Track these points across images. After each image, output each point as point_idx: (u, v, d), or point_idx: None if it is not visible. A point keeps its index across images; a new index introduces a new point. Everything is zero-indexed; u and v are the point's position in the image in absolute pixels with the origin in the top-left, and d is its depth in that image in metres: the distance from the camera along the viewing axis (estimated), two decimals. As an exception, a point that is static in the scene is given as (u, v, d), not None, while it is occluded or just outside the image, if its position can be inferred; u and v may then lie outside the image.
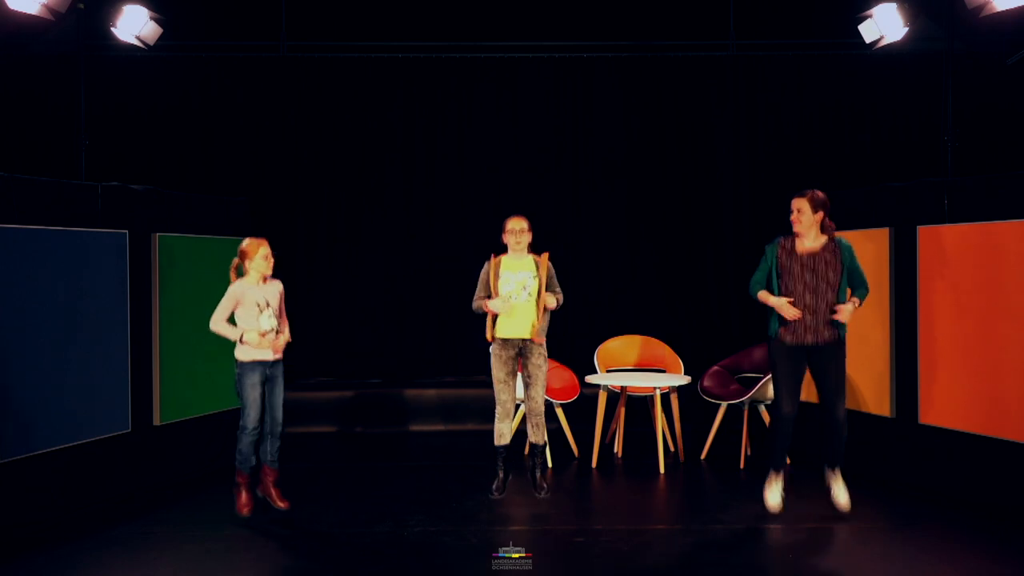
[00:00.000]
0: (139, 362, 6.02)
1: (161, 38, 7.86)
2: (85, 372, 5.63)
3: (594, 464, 6.78)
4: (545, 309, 5.62)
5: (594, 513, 5.78)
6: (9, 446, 5.16)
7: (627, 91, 8.82)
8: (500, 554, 4.72)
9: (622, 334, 7.70)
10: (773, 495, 5.44)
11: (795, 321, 5.23)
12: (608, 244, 8.82)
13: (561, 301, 5.70)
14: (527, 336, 5.61)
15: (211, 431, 6.58)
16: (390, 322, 8.86)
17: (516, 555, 4.71)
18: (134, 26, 7.60)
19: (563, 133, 8.87)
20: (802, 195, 5.32)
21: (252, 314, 5.29)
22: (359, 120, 8.82)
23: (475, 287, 5.78)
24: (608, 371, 7.31)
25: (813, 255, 5.25)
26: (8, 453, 5.16)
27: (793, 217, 5.29)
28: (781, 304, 5.21)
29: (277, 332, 5.40)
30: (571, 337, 8.29)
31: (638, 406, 7.63)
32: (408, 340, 8.86)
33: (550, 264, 5.71)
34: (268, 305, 5.32)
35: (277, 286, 5.49)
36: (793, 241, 5.33)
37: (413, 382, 8.52)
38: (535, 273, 5.63)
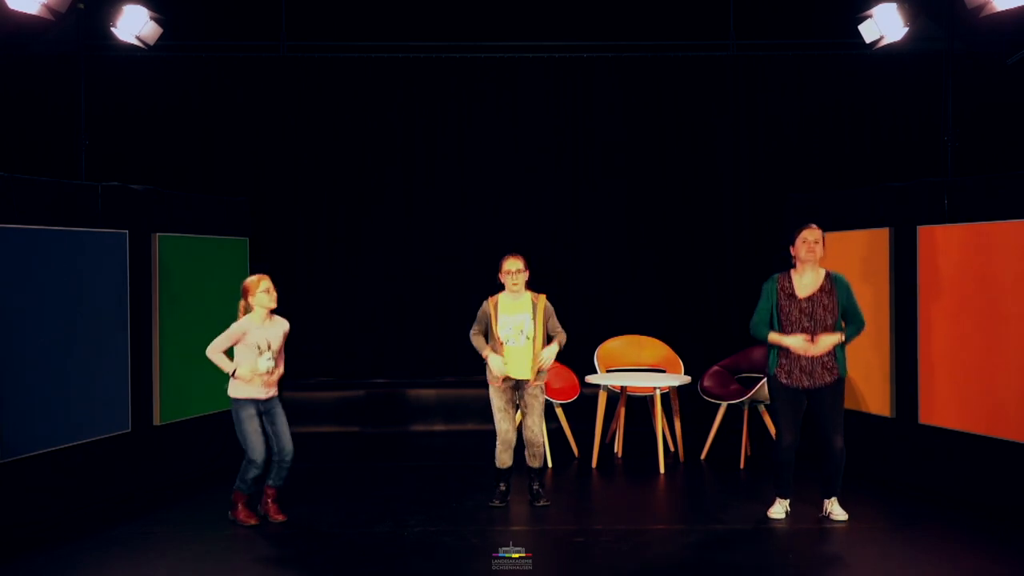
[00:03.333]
0: (139, 362, 6.02)
1: (161, 38, 7.86)
2: (85, 372, 5.63)
3: (594, 464, 6.78)
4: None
5: (594, 513, 5.78)
6: (9, 446, 5.16)
7: (627, 91, 8.81)
8: (500, 554, 4.72)
9: (622, 334, 7.70)
10: (777, 513, 5.44)
11: (791, 364, 5.20)
12: (608, 244, 8.81)
13: (563, 341, 5.63)
14: (524, 378, 5.59)
15: (211, 431, 6.58)
16: (390, 322, 8.86)
17: (516, 555, 4.71)
18: (134, 26, 7.59)
19: (563, 133, 8.87)
20: (816, 227, 5.24)
21: (251, 355, 5.24)
22: (359, 120, 8.82)
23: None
24: (608, 371, 7.31)
25: (811, 299, 5.17)
26: (8, 453, 5.15)
27: (808, 247, 5.18)
28: (795, 342, 5.12)
29: (272, 373, 5.36)
30: (571, 337, 8.24)
31: (638, 406, 7.63)
32: (408, 340, 8.86)
33: (548, 304, 5.66)
34: (269, 347, 5.27)
35: (283, 325, 5.42)
36: (791, 282, 5.25)
37: (413, 382, 8.52)
38: (532, 314, 5.58)
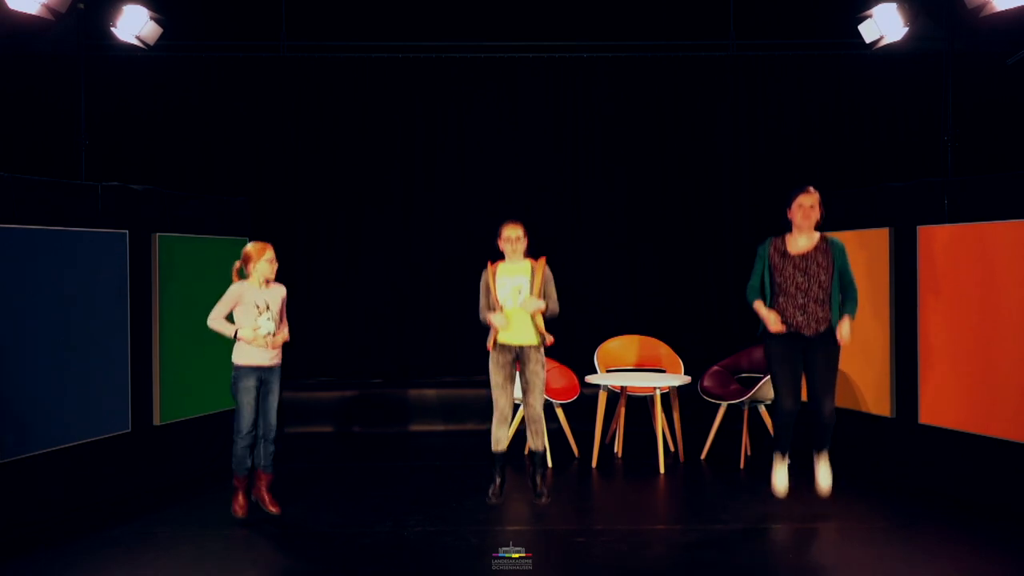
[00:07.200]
0: (139, 362, 6.02)
1: (161, 38, 7.86)
2: (85, 372, 5.63)
3: (594, 464, 6.78)
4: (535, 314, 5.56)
5: (594, 513, 5.78)
6: (9, 446, 5.16)
7: (627, 91, 8.81)
8: (500, 554, 4.72)
9: (622, 334, 7.70)
10: (780, 478, 5.38)
11: (785, 318, 5.21)
12: (608, 244, 8.82)
13: (555, 311, 5.56)
14: (524, 343, 5.55)
15: (211, 431, 6.58)
16: (390, 322, 8.86)
17: (516, 555, 4.71)
18: (134, 26, 7.60)
19: (563, 133, 8.87)
20: (813, 190, 5.27)
21: (251, 315, 5.27)
22: (359, 120, 8.82)
23: (476, 292, 5.76)
24: (608, 371, 7.31)
25: (805, 256, 5.21)
26: (8, 453, 5.16)
27: (805, 212, 5.20)
28: (769, 318, 5.22)
29: (275, 335, 5.39)
30: (571, 337, 8.28)
31: (638, 406, 7.63)
32: (408, 340, 8.86)
33: (547, 268, 5.61)
34: (268, 308, 5.30)
35: (280, 291, 5.46)
36: (785, 242, 5.30)
37: (413, 382, 8.52)
38: (530, 277, 5.56)
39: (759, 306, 5.32)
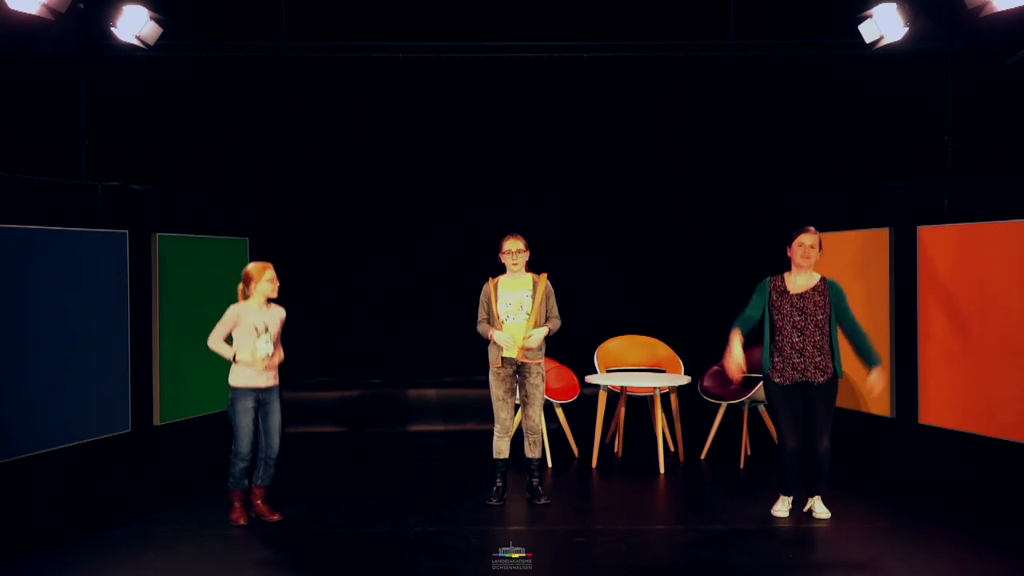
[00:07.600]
0: (139, 362, 6.02)
1: (161, 38, 7.86)
2: (85, 372, 5.63)
3: (594, 464, 6.78)
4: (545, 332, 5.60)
5: (594, 513, 5.78)
6: (9, 446, 5.16)
7: (627, 91, 8.81)
8: (500, 554, 4.72)
9: (622, 334, 7.71)
10: (781, 510, 5.45)
11: (784, 363, 5.21)
12: (608, 244, 8.82)
13: (556, 327, 5.62)
14: (526, 358, 5.58)
15: (211, 431, 6.58)
16: (390, 322, 8.86)
17: (516, 555, 4.71)
18: (134, 26, 7.60)
19: (563, 133, 8.87)
20: (813, 230, 5.26)
21: (249, 336, 5.22)
22: (359, 120, 8.82)
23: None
24: (608, 371, 7.31)
25: (803, 295, 5.20)
26: (8, 453, 5.16)
27: (804, 251, 5.18)
28: (731, 363, 5.19)
29: (272, 357, 5.35)
30: (571, 337, 8.28)
31: (638, 406, 7.63)
32: (408, 340, 8.86)
33: (549, 284, 5.65)
34: (267, 330, 5.27)
35: (279, 313, 5.41)
36: (784, 280, 5.29)
37: (413, 382, 8.52)
38: (532, 292, 5.59)
39: (734, 340, 5.24)
